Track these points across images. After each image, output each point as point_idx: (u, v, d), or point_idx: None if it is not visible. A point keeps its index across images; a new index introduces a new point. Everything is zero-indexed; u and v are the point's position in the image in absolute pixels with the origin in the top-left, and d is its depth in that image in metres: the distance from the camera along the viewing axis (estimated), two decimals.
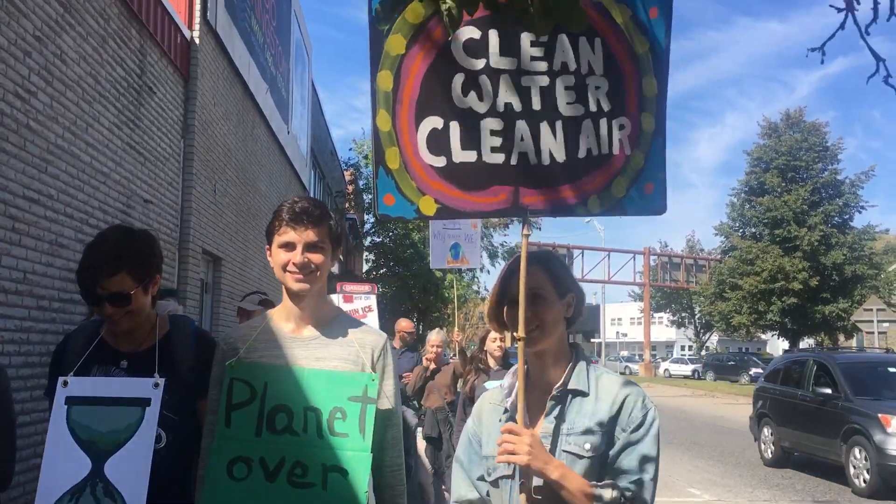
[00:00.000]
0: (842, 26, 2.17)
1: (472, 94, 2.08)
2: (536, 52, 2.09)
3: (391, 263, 26.86)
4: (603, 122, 2.17)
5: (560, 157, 2.14)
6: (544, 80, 2.11)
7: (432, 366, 7.46)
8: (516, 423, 2.00)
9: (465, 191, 2.15)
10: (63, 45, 6.15)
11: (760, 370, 41.37)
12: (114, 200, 7.29)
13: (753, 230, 39.79)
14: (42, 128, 5.80)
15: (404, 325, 8.68)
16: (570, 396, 2.05)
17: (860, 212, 38.13)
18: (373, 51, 2.11)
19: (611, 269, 51.34)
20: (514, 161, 2.11)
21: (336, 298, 9.76)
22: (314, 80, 21.31)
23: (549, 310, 2.08)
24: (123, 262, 2.39)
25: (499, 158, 2.11)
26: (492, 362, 6.01)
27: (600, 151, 2.19)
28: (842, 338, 43.29)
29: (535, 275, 2.06)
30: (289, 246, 2.34)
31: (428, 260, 24.58)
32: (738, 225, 41.08)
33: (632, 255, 52.40)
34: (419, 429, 7.06)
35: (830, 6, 2.24)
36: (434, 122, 2.09)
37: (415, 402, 7.55)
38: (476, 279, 28.11)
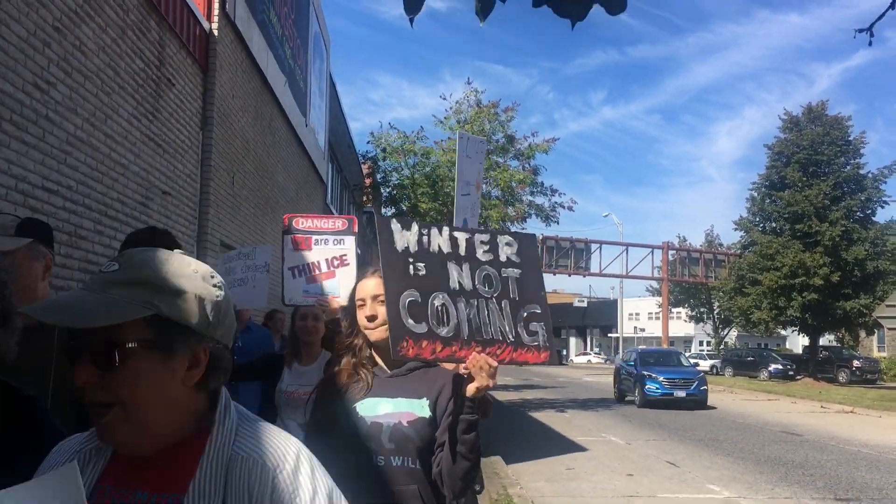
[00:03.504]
0: (892, 6, 2.08)
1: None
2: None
3: None
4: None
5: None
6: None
7: None
8: None
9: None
10: (82, 36, 6.14)
11: (780, 366, 41.20)
12: (132, 192, 7.29)
13: (774, 225, 39.38)
14: (61, 119, 5.80)
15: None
16: None
17: (883, 207, 37.67)
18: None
19: (629, 263, 51.11)
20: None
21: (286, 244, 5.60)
22: (332, 73, 21.28)
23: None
24: None
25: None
26: (379, 357, 2.75)
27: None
28: (863, 334, 42.84)
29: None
30: None
31: None
32: (758, 220, 40.67)
33: (650, 250, 52.04)
34: None
35: None
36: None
37: None
38: None
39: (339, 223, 5.80)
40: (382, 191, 27.81)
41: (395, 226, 2.53)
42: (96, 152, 6.45)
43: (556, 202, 25.70)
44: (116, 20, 6.85)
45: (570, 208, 25.99)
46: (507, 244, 2.72)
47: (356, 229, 5.88)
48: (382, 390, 2.62)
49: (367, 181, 28.97)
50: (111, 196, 6.77)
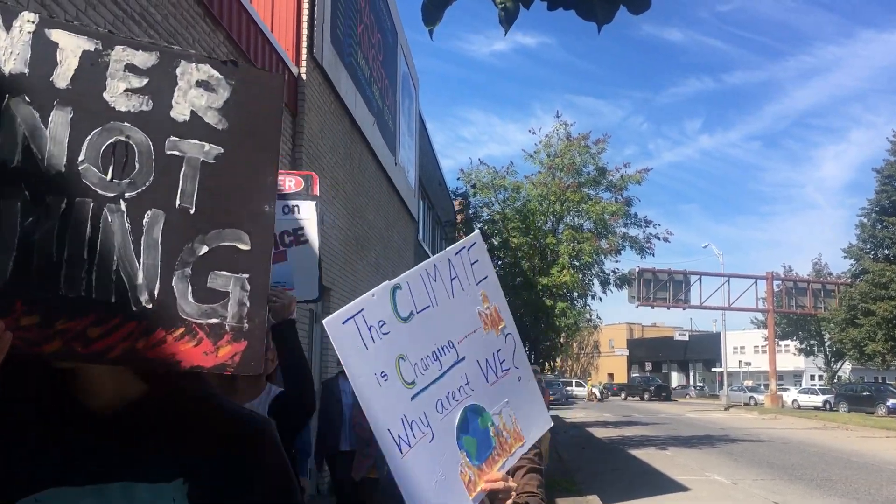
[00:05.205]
0: None
1: None
2: None
3: None
4: None
5: None
6: None
7: None
8: None
9: None
10: None
11: None
12: None
13: (887, 252, 37.50)
14: None
15: None
16: None
17: None
18: None
19: (731, 295, 49.36)
20: None
21: None
22: (422, 112, 21.58)
23: None
24: None
25: None
26: None
27: None
28: None
29: None
30: None
31: (539, 288, 24.30)
32: (869, 247, 38.85)
33: (753, 280, 50.23)
34: None
35: None
36: None
37: None
38: (588, 306, 27.52)
39: (290, 182, 4.00)
40: (474, 226, 27.92)
41: None
42: None
43: (650, 233, 25.21)
44: None
45: (665, 239, 25.45)
46: (203, 85, 1.22)
47: (317, 191, 4.12)
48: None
49: (459, 217, 29.15)
50: None
